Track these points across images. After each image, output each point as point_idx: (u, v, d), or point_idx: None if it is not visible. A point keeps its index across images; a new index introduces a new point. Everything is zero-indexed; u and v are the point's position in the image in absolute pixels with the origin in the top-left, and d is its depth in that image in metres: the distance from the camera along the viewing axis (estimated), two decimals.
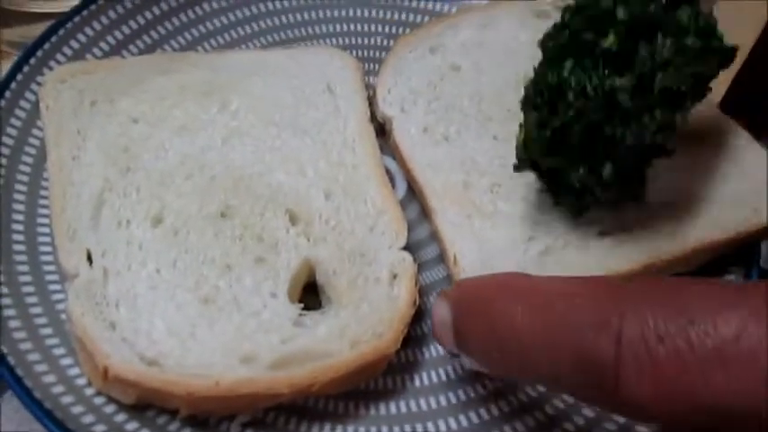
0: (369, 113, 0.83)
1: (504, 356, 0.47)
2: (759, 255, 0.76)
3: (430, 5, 0.99)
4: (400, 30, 0.97)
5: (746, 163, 0.78)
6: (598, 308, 0.41)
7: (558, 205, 0.73)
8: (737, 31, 1.05)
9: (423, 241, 0.80)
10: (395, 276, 0.71)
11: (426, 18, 0.98)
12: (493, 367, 0.51)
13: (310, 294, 0.73)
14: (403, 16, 0.99)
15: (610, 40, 0.62)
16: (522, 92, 0.69)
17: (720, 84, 1.01)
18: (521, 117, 0.71)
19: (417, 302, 0.70)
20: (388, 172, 0.82)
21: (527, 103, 0.68)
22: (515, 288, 0.49)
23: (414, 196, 0.82)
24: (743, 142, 0.80)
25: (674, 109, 0.65)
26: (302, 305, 0.69)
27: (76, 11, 0.87)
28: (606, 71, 0.62)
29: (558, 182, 0.70)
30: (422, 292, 0.76)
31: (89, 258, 0.68)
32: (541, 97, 0.66)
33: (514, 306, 0.46)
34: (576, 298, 0.43)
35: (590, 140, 0.65)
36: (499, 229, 0.74)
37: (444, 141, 0.81)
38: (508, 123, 0.80)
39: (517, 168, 0.71)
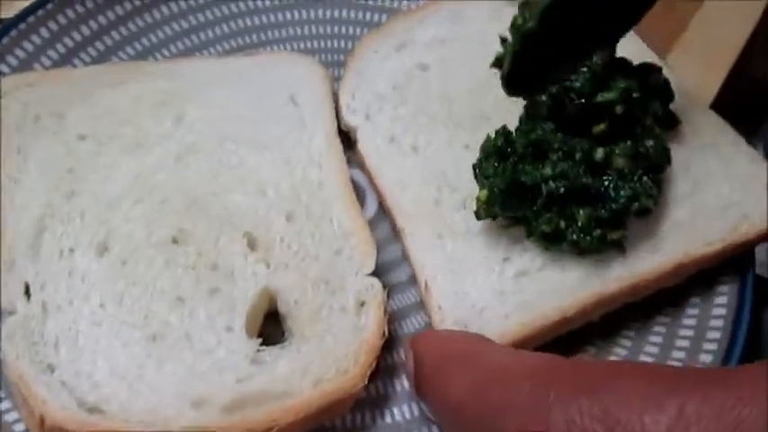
0: (336, 125, 0.78)
1: (449, 420, 0.52)
2: (753, 262, 0.72)
3: (396, 3, 0.93)
4: (366, 30, 0.91)
5: (736, 166, 0.72)
6: (533, 392, 0.43)
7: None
8: (729, 29, 1.01)
9: (394, 262, 0.75)
10: (362, 304, 0.66)
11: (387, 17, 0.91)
12: (443, 425, 0.57)
13: (273, 323, 0.67)
14: (371, 16, 0.93)
15: (600, 128, 0.66)
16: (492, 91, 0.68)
17: (712, 84, 0.96)
18: (493, 123, 0.69)
19: (386, 333, 0.65)
20: (357, 187, 0.77)
21: (492, 157, 0.67)
22: (466, 358, 0.53)
23: (385, 214, 0.77)
24: (733, 144, 0.74)
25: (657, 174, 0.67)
26: (261, 339, 0.63)
27: (21, 17, 0.82)
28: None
29: (528, 226, 0.67)
30: (393, 318, 0.71)
31: (27, 292, 0.63)
32: (515, 152, 0.67)
33: (461, 379, 0.50)
34: (516, 378, 0.46)
35: (567, 196, 0.65)
36: (472, 249, 0.69)
37: (412, 153, 0.76)
38: (480, 129, 0.73)
39: (479, 217, 0.68)
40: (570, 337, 0.68)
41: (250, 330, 0.64)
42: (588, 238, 0.65)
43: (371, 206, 0.78)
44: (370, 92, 0.79)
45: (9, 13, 0.85)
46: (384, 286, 0.67)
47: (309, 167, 0.74)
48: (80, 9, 0.85)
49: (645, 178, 0.66)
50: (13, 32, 0.81)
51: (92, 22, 0.85)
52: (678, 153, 0.71)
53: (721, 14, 1.03)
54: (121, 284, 0.64)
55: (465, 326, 0.64)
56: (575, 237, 0.65)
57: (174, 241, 0.67)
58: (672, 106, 0.74)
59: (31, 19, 0.82)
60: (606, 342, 0.69)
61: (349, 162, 0.76)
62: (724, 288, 0.71)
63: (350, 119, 0.78)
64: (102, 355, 0.60)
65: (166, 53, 0.87)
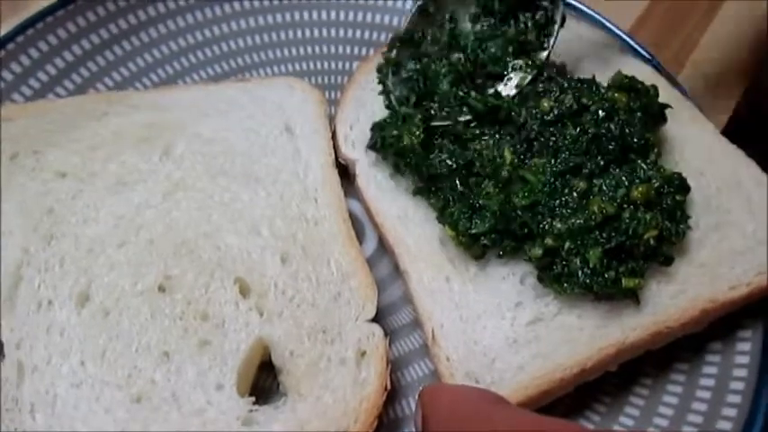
0: (333, 155, 0.73)
1: None
2: None
3: (395, 20, 0.87)
4: (364, 50, 0.86)
5: (759, 203, 0.68)
6: None
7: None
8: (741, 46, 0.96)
9: (395, 303, 0.70)
10: (363, 354, 0.62)
11: (386, 36, 0.86)
12: None
13: (267, 371, 0.63)
14: (369, 35, 0.88)
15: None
16: None
17: (722, 111, 0.92)
18: None
19: (388, 386, 0.60)
20: (355, 220, 0.72)
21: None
22: (476, 419, 0.49)
23: (386, 250, 0.72)
24: (755, 180, 0.69)
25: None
26: (253, 398, 0.59)
27: None
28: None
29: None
30: (395, 366, 0.66)
31: (0, 351, 0.58)
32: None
33: None
34: None
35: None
36: (482, 293, 0.65)
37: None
38: None
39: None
40: (583, 386, 0.63)
41: (242, 387, 0.60)
42: (600, 280, 0.61)
43: (371, 241, 0.74)
44: (369, 122, 0.74)
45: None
46: (385, 332, 0.63)
47: (305, 203, 0.69)
48: (61, 36, 0.80)
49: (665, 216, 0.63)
50: None
51: (73, 49, 0.81)
52: (696, 191, 0.67)
53: (732, 32, 0.99)
54: (103, 339, 0.59)
55: (476, 379, 0.60)
56: (587, 280, 0.61)
57: (161, 289, 0.63)
58: (681, 133, 0.71)
59: (10, 46, 0.78)
60: (621, 392, 0.65)
61: (346, 193, 0.72)
62: (746, 334, 0.66)
63: (348, 152, 0.73)
64: (83, 422, 0.55)
65: (150, 80, 0.83)
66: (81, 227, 0.65)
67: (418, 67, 0.73)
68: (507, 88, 0.71)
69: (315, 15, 0.88)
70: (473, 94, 0.70)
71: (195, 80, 0.83)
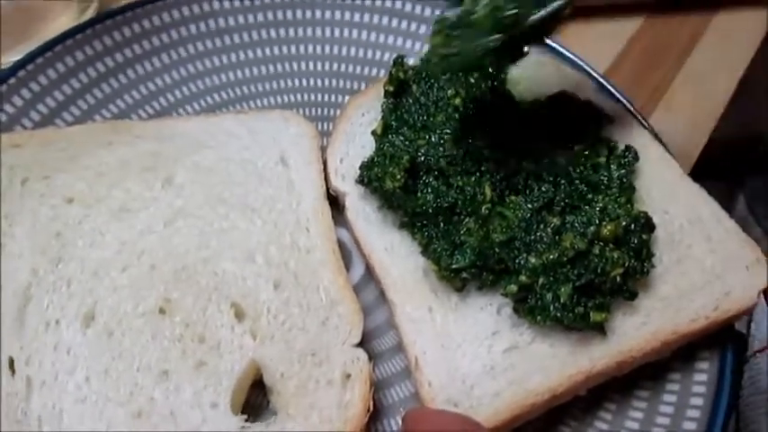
0: (324, 187, 0.78)
1: None
2: (735, 338, 0.73)
3: (387, 56, 0.93)
4: (356, 84, 0.91)
5: (719, 240, 0.73)
6: None
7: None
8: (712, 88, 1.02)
9: (380, 328, 0.75)
10: (348, 377, 0.66)
11: (383, 71, 0.91)
12: None
13: (258, 389, 0.67)
14: (361, 70, 0.93)
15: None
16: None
17: (696, 143, 0.98)
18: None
19: (371, 408, 0.65)
20: (343, 248, 0.77)
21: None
22: None
23: (371, 277, 0.77)
24: (715, 217, 0.74)
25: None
26: (245, 416, 0.63)
27: (3, 78, 0.81)
28: None
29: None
30: (378, 387, 0.71)
31: (11, 366, 0.62)
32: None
33: None
34: None
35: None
36: (462, 322, 0.69)
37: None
38: None
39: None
40: (552, 410, 0.68)
41: (235, 405, 0.64)
42: (570, 314, 0.66)
43: (358, 268, 0.79)
44: (359, 157, 0.79)
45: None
46: (369, 355, 0.68)
47: (298, 232, 0.74)
48: (61, 69, 0.84)
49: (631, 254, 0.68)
50: None
51: (73, 82, 0.85)
52: (661, 228, 0.72)
53: (704, 74, 1.05)
54: (107, 358, 0.64)
55: (456, 404, 0.65)
56: (558, 313, 0.66)
57: (161, 311, 0.67)
58: (649, 173, 0.76)
59: (11, 80, 0.82)
60: (587, 415, 0.70)
61: (335, 221, 0.76)
62: (704, 365, 0.71)
63: (338, 184, 0.78)
64: None
65: (152, 108, 0.87)
66: (87, 250, 0.69)
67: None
68: None
69: (309, 49, 0.93)
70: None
71: (193, 110, 0.87)
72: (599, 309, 0.66)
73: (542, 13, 0.67)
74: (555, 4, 0.67)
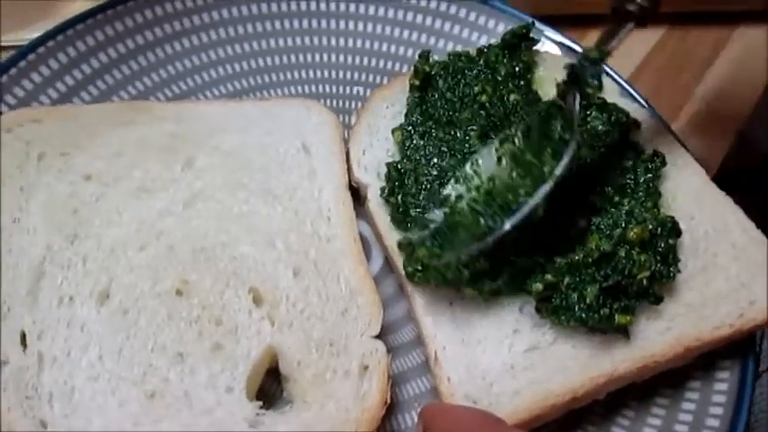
0: (347, 178, 0.77)
1: None
2: (754, 345, 0.71)
3: (410, 52, 0.92)
4: (378, 78, 0.90)
5: (744, 249, 0.72)
6: None
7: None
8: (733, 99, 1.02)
9: (399, 321, 0.74)
10: (366, 368, 0.65)
11: (406, 67, 0.90)
12: None
13: (272, 377, 0.66)
14: (385, 64, 0.92)
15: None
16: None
17: (717, 153, 0.97)
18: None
19: (388, 400, 0.63)
20: (363, 239, 0.75)
21: None
22: None
23: (391, 270, 0.76)
24: (741, 226, 0.73)
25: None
26: (260, 402, 0.62)
27: (22, 54, 0.80)
28: None
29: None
30: (396, 381, 0.70)
31: (23, 341, 0.61)
32: None
33: None
34: None
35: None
36: (483, 319, 0.68)
37: None
38: None
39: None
40: (569, 414, 0.67)
41: (250, 390, 0.62)
42: (596, 316, 0.65)
43: (377, 260, 0.78)
44: (382, 149, 0.78)
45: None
46: (387, 348, 0.66)
47: (319, 221, 0.72)
48: (81, 47, 0.83)
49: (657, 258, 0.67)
50: (13, 70, 0.79)
51: (92, 61, 0.84)
52: (686, 234, 0.71)
53: (725, 85, 1.04)
54: (121, 337, 0.62)
55: (474, 401, 0.63)
56: (583, 314, 0.65)
57: (178, 293, 0.65)
58: (675, 178, 0.76)
59: (31, 57, 0.80)
60: (605, 421, 0.69)
61: (356, 214, 0.75)
62: (724, 374, 0.70)
63: (360, 176, 0.77)
64: (98, 413, 0.58)
65: (172, 92, 0.86)
66: (104, 229, 0.68)
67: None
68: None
69: (333, 42, 0.92)
70: None
71: (213, 95, 0.86)
72: (624, 311, 0.65)
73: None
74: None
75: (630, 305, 0.66)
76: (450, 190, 0.68)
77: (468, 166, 0.68)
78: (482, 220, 0.65)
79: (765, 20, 1.12)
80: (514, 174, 0.66)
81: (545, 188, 0.65)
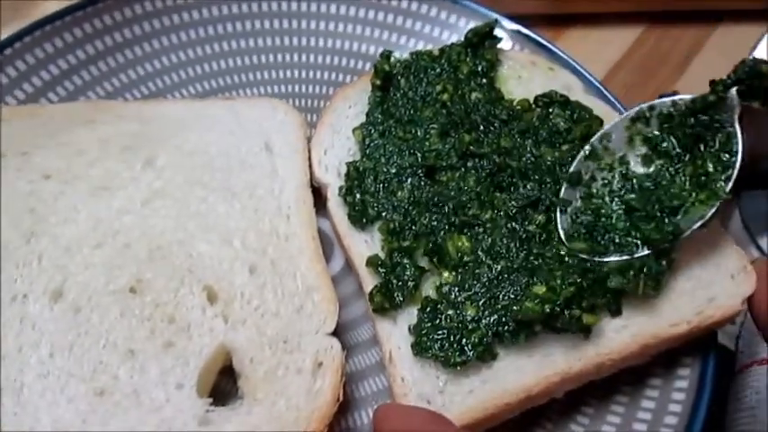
0: (309, 176, 0.77)
1: None
2: (715, 343, 0.71)
3: (372, 49, 0.92)
4: (347, 78, 0.90)
5: (707, 248, 0.71)
6: None
7: None
8: None
9: (356, 320, 0.74)
10: (319, 365, 0.65)
11: (369, 65, 0.89)
12: None
13: (228, 376, 0.66)
14: (352, 63, 0.92)
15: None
16: None
17: None
18: None
19: (341, 397, 0.63)
20: (324, 238, 0.76)
21: None
22: None
23: (350, 268, 0.76)
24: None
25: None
26: (211, 399, 0.62)
27: None
28: None
29: None
30: (351, 379, 0.70)
31: None
32: None
33: None
34: None
35: None
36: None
37: None
38: None
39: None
40: (528, 412, 0.67)
41: (202, 388, 0.62)
42: (565, 317, 0.64)
43: (338, 260, 0.78)
44: (343, 149, 0.78)
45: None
46: (344, 346, 0.66)
47: (277, 219, 0.73)
48: (49, 49, 0.84)
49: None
50: None
51: (60, 62, 0.84)
52: None
53: (703, 86, 1.03)
54: (72, 334, 0.62)
55: (428, 401, 0.63)
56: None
57: (132, 291, 0.66)
58: None
59: (8, 51, 0.81)
60: (564, 418, 0.69)
61: (317, 212, 0.75)
62: (685, 371, 0.70)
63: (321, 175, 0.77)
64: (47, 411, 0.58)
65: (140, 92, 0.86)
66: (60, 227, 0.68)
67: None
68: (686, 221, 0.68)
69: (303, 41, 0.92)
70: None
71: (182, 96, 0.87)
72: (591, 311, 0.65)
73: None
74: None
75: (597, 304, 0.66)
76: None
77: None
78: None
79: (744, 19, 1.12)
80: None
81: None
